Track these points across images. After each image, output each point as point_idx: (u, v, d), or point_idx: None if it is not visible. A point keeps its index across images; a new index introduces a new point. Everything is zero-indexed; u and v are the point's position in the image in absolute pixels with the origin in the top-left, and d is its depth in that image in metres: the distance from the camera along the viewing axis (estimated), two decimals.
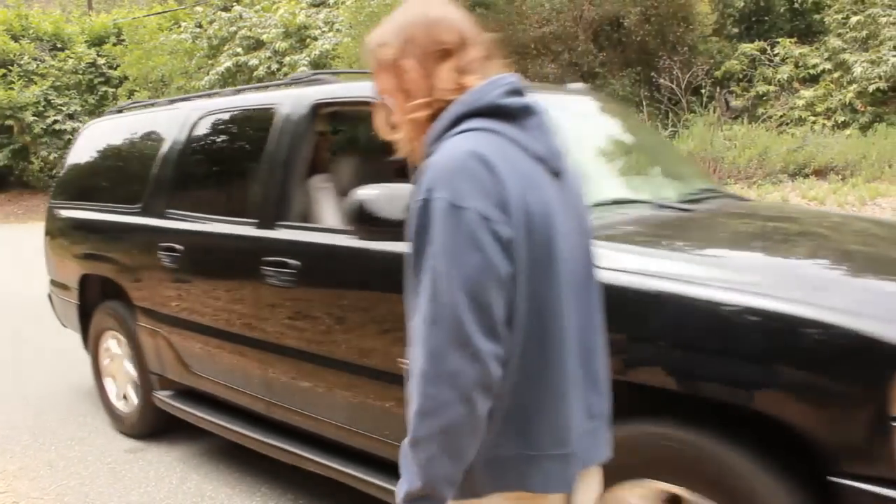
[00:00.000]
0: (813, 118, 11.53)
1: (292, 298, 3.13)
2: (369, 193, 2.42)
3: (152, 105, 4.93)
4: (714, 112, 11.90)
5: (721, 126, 11.61)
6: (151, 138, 4.36)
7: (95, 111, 22.16)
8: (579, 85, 3.74)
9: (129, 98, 20.01)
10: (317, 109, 3.30)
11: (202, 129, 4.03)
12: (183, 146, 4.03)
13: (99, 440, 4.40)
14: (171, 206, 3.97)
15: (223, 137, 4.05)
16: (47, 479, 3.90)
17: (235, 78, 17.46)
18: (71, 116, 21.43)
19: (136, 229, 4.16)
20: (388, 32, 1.42)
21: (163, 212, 3.99)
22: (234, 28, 18.43)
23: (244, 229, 3.40)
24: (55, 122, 21.12)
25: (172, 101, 4.62)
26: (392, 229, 2.38)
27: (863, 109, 11.32)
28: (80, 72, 22.26)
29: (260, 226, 3.32)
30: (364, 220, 2.44)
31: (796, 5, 13.07)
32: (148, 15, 22.31)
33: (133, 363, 4.36)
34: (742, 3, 13.22)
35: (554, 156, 1.40)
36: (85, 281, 4.74)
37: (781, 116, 11.88)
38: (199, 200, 3.94)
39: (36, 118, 21.05)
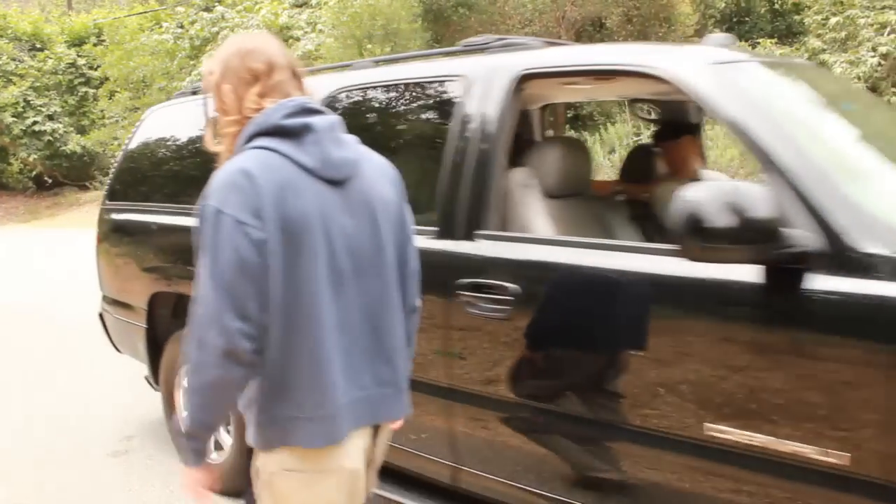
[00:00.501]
0: None
1: (507, 332, 2.42)
2: (702, 196, 1.81)
3: None
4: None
5: (703, 127, 11.66)
6: None
7: (76, 112, 22.00)
8: (722, 36, 2.81)
9: (110, 99, 19.86)
10: (522, 82, 2.60)
11: (337, 109, 3.19)
12: None
13: (81, 443, 4.37)
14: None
15: (373, 120, 3.24)
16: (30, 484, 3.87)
17: None
18: (51, 117, 21.24)
19: None
20: (215, 61, 1.74)
21: None
22: (216, 28, 18.33)
23: (422, 241, 2.62)
24: (35, 122, 20.92)
25: None
26: (732, 246, 1.82)
27: None
28: (60, 72, 22.07)
29: (445, 236, 2.60)
30: (698, 234, 1.81)
31: (777, 6, 13.19)
32: (129, 15, 22.15)
33: None
34: (723, 4, 13.32)
35: (327, 167, 1.66)
36: (156, 301, 3.85)
37: None
38: None
39: (15, 119, 20.84)
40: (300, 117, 1.66)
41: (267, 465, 1.70)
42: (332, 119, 1.72)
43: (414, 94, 3.01)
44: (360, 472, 1.75)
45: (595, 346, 2.28)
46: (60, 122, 21.32)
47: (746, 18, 13.55)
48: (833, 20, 12.04)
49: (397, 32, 13.48)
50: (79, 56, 22.36)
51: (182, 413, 1.66)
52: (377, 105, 3.15)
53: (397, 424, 1.88)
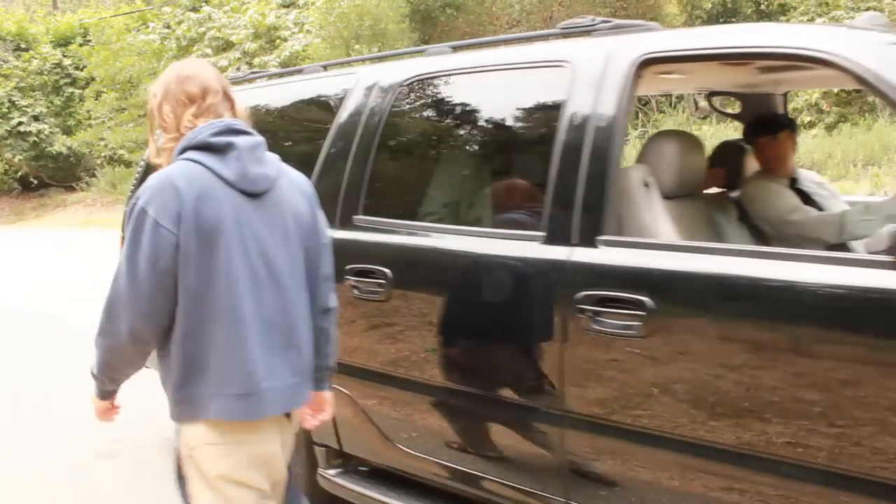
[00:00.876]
0: None
1: (650, 355, 2.05)
2: None
3: (290, 74, 3.75)
4: (683, 112, 12.03)
5: (690, 126, 11.73)
6: (309, 118, 3.38)
7: (62, 113, 21.84)
8: (873, 14, 2.43)
9: (96, 99, 19.74)
10: (642, 68, 2.28)
11: (413, 100, 2.94)
12: (378, 127, 2.85)
13: (68, 443, 4.34)
14: (367, 210, 2.84)
15: (458, 113, 2.91)
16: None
17: None
18: (36, 118, 21.07)
19: None
20: (157, 85, 2.01)
21: (348, 219, 2.85)
22: (202, 29, 18.25)
23: (523, 247, 2.35)
24: (20, 123, 20.73)
25: (335, 65, 3.47)
26: None
27: (828, 109, 11.54)
28: (46, 73, 21.89)
29: (556, 241, 2.26)
30: None
31: (763, 7, 13.26)
32: (115, 15, 22.01)
33: None
34: (710, 5, 13.37)
35: (245, 181, 1.90)
36: None
37: None
38: (417, 203, 2.90)
39: (0, 120, 20.67)
40: (225, 136, 1.91)
41: (188, 440, 1.92)
42: (255, 139, 1.97)
43: (506, 82, 2.70)
44: (277, 455, 1.98)
45: (767, 372, 1.88)
46: (46, 123, 21.15)
47: (733, 19, 13.61)
48: (818, 21, 12.11)
49: (385, 33, 13.49)
50: (64, 56, 22.18)
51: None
52: (462, 96, 2.85)
53: (308, 410, 2.16)
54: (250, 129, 1.99)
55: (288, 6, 19.04)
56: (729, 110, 4.37)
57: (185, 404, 1.90)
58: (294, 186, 2.06)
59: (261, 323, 1.89)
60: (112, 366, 1.95)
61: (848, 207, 3.14)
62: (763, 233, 3.15)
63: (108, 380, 1.99)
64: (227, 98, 2.01)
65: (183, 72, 1.99)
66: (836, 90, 11.27)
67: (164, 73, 2.04)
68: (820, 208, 3.19)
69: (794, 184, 3.28)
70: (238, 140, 1.92)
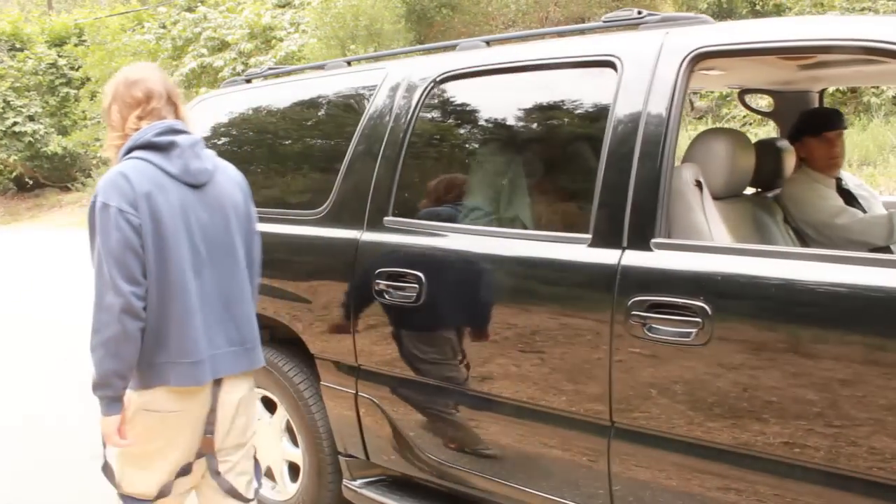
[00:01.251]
0: None
1: (703, 364, 1.96)
2: None
3: (312, 69, 3.61)
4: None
5: (686, 126, 11.75)
6: (333, 115, 3.23)
7: (57, 113, 21.80)
8: None
9: (91, 100, 19.70)
10: (694, 64, 2.17)
11: (446, 97, 2.82)
12: (407, 124, 2.74)
13: (63, 446, 4.33)
14: (396, 211, 2.73)
15: (493, 112, 2.80)
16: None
17: (200, 79, 17.25)
18: (31, 118, 21.04)
19: (321, 246, 2.90)
20: (107, 88, 2.24)
21: (378, 221, 2.73)
22: (198, 29, 18.21)
23: (568, 250, 2.25)
24: (15, 123, 20.71)
25: (359, 60, 3.33)
26: None
27: None
28: (41, 73, 21.85)
29: (604, 244, 2.16)
30: None
31: (758, 7, 13.27)
32: (110, 15, 21.98)
33: (303, 436, 3.07)
34: (705, 5, 13.39)
35: (186, 174, 2.14)
36: None
37: (745, 116, 12.05)
38: (454, 203, 2.77)
39: None
40: (167, 136, 2.14)
41: (134, 402, 2.15)
42: (194, 137, 2.21)
43: (547, 79, 2.59)
44: (204, 414, 2.22)
45: (837, 382, 1.77)
46: (41, 123, 21.12)
47: (728, 18, 13.63)
48: None
49: (380, 33, 13.48)
50: (60, 56, 22.15)
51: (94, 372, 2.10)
52: (497, 94, 2.74)
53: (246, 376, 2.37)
54: (189, 130, 2.23)
55: (283, 6, 19.03)
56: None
57: (147, 372, 2.12)
58: (230, 179, 2.31)
59: (203, 299, 2.15)
60: (117, 355, 2.03)
61: (893, 210, 3.04)
62: (805, 235, 3.05)
63: (116, 377, 2.06)
64: (171, 102, 2.24)
65: (131, 76, 2.23)
66: (830, 90, 11.30)
67: (115, 76, 2.28)
68: (863, 210, 3.11)
69: (839, 184, 3.18)
70: (179, 139, 2.15)
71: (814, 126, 3.16)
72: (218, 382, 2.22)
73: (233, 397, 2.27)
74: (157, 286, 2.07)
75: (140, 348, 2.08)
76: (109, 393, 2.07)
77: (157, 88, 2.21)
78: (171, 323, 2.10)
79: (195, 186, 2.17)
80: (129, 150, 2.14)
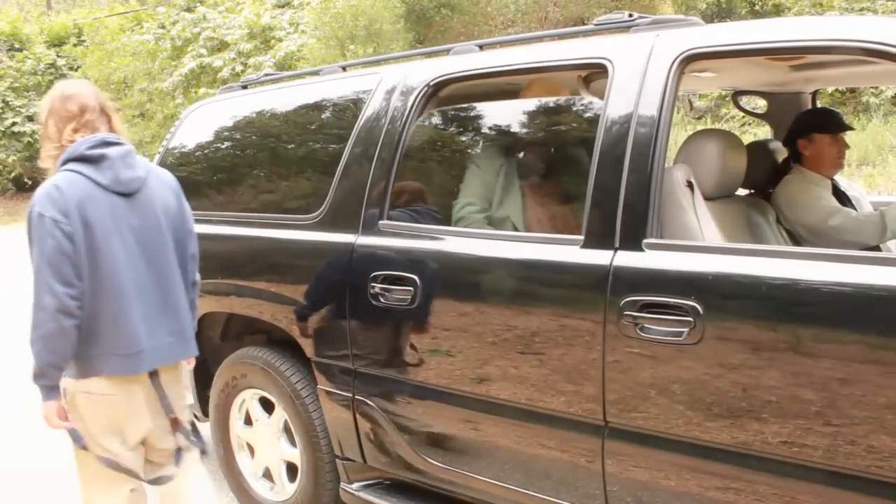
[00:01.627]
0: None
1: (698, 363, 1.97)
2: None
3: (306, 76, 3.61)
4: (678, 112, 12.04)
5: (685, 126, 11.75)
6: (329, 120, 3.25)
7: None
8: None
9: None
10: (684, 66, 2.20)
11: (441, 101, 2.86)
12: (402, 129, 2.74)
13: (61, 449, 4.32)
14: (392, 215, 2.77)
15: (489, 116, 2.86)
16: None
17: (199, 79, 17.25)
18: (30, 118, 21.00)
19: (317, 250, 2.92)
20: (44, 103, 2.43)
21: (373, 225, 2.76)
22: (197, 29, 18.21)
23: (560, 251, 2.27)
24: (14, 123, 20.68)
25: (354, 65, 3.35)
26: None
27: None
28: (40, 73, 21.81)
29: (597, 245, 2.17)
30: None
31: (757, 7, 13.27)
32: (109, 15, 21.96)
33: (301, 436, 3.09)
34: (704, 5, 13.39)
35: (117, 184, 2.32)
36: (202, 322, 3.19)
37: (744, 117, 12.05)
38: (445, 208, 2.81)
39: None
40: (99, 149, 2.32)
41: (70, 386, 2.36)
42: (126, 148, 2.39)
43: (547, 79, 2.65)
44: (152, 399, 2.42)
45: (830, 380, 1.78)
46: (40, 124, 21.08)
47: (727, 19, 13.63)
48: None
49: (380, 33, 13.49)
50: (59, 56, 22.12)
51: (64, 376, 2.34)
52: (493, 98, 2.75)
53: (190, 364, 2.65)
54: (123, 141, 2.41)
55: (283, 6, 19.03)
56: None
57: (83, 362, 2.32)
58: (162, 183, 2.50)
59: (140, 295, 2.34)
60: (53, 349, 2.24)
61: (882, 209, 3.04)
62: (798, 236, 3.06)
63: (52, 368, 2.27)
64: (105, 114, 2.42)
65: (66, 91, 2.41)
66: (829, 90, 11.30)
67: (51, 90, 2.46)
68: (856, 210, 3.12)
69: (834, 185, 3.19)
70: (110, 151, 2.33)
71: (829, 125, 3.16)
72: (155, 373, 2.42)
73: (171, 377, 2.51)
74: (91, 286, 2.27)
75: (75, 342, 2.26)
76: (47, 382, 2.30)
77: (91, 102, 2.39)
78: (105, 319, 2.30)
79: (126, 194, 2.35)
80: (65, 162, 2.32)
